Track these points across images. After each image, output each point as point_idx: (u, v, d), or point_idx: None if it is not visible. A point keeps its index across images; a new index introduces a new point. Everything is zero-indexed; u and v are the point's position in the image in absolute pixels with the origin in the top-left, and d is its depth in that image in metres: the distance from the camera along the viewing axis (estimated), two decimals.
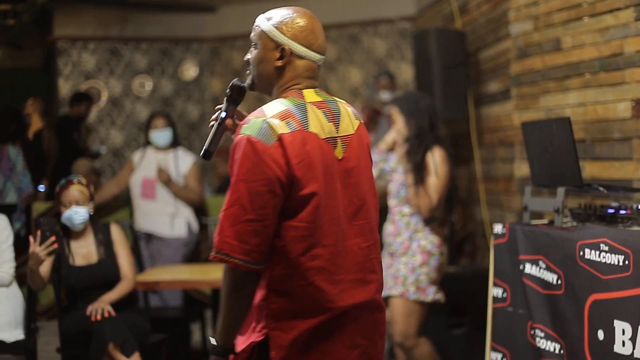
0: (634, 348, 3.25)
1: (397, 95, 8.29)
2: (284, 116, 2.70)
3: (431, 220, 5.15)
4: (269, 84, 2.85)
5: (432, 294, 5.13)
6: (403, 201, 5.18)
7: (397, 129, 5.22)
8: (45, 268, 4.90)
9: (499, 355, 4.31)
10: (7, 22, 9.41)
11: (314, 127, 2.74)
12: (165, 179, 6.81)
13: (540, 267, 3.92)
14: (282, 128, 2.67)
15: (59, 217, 5.21)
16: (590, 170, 4.88)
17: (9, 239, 5.20)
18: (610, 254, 3.41)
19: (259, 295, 2.75)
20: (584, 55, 4.97)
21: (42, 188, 8.29)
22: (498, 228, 4.35)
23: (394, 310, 5.12)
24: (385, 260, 5.16)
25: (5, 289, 5.15)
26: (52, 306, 6.56)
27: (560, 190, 3.95)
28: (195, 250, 7.26)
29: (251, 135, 2.65)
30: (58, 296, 5.23)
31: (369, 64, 10.34)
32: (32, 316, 5.21)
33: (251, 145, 2.64)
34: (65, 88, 10.78)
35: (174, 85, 11.21)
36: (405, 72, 9.93)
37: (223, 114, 2.92)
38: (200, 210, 7.18)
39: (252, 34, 2.87)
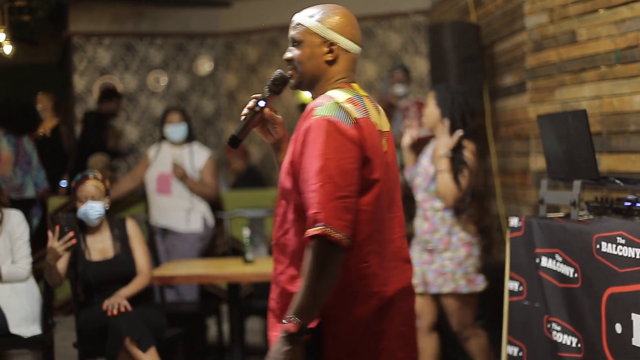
0: None
1: (409, 89, 8.31)
2: (352, 102, 2.79)
3: (462, 211, 5.16)
4: (316, 80, 2.91)
5: (482, 283, 5.16)
6: (433, 195, 5.18)
7: (427, 112, 5.27)
8: (62, 264, 4.93)
9: (515, 349, 4.30)
10: (23, 18, 9.44)
11: (373, 117, 2.86)
12: (181, 174, 6.82)
13: (556, 261, 3.90)
14: (355, 112, 2.76)
15: (75, 212, 5.23)
16: (606, 163, 4.86)
17: (25, 234, 5.22)
18: (627, 247, 3.39)
19: None
20: (600, 47, 4.95)
21: (63, 184, 8.30)
22: (514, 221, 4.34)
23: (449, 306, 5.17)
24: (424, 257, 5.18)
25: (22, 285, 5.17)
26: (69, 301, 6.58)
27: (577, 184, 3.94)
28: (211, 245, 7.27)
29: (330, 116, 2.72)
30: (74, 291, 5.25)
31: (383, 58, 10.32)
32: (49, 311, 5.23)
33: (333, 125, 2.70)
34: (80, 84, 10.80)
35: (189, 80, 11.22)
36: (420, 66, 9.91)
37: (262, 103, 2.93)
38: (215, 205, 7.18)
39: (292, 33, 2.91)
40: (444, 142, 5.12)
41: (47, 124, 8.54)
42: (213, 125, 11.30)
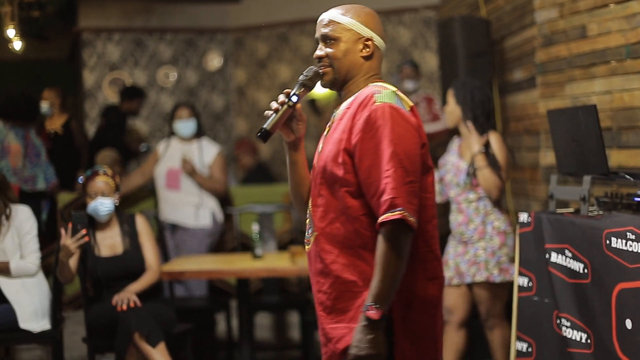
0: None
1: (419, 85, 8.30)
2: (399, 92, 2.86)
3: (496, 201, 5.17)
4: (352, 76, 2.94)
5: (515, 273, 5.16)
6: (467, 188, 5.20)
7: (448, 110, 5.30)
8: (73, 261, 4.95)
9: (525, 345, 4.29)
10: (32, 14, 9.43)
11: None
12: (189, 170, 6.83)
13: (566, 256, 3.89)
14: (408, 100, 2.85)
15: (85, 208, 5.24)
16: (616, 158, 4.84)
17: (33, 229, 5.23)
18: (637, 242, 3.38)
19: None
20: (610, 42, 4.93)
21: (81, 180, 8.30)
22: (523, 217, 4.33)
23: (480, 295, 5.18)
24: (459, 249, 5.21)
25: (31, 280, 5.18)
26: (78, 296, 6.59)
27: (587, 179, 3.93)
28: (220, 241, 7.28)
29: (391, 103, 2.78)
30: (84, 286, 5.26)
31: (393, 53, 10.29)
32: (58, 306, 5.24)
33: (397, 112, 2.77)
34: (90, 79, 10.81)
35: (198, 75, 11.21)
36: (430, 61, 9.89)
37: (295, 98, 2.91)
38: (225, 200, 7.19)
39: (325, 31, 2.94)
40: (473, 141, 5.16)
41: (57, 121, 8.52)
42: (222, 121, 11.30)
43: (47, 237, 6.59)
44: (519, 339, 4.35)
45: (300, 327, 6.36)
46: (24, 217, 5.21)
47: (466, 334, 5.32)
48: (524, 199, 6.52)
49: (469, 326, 5.34)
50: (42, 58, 13.02)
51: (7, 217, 5.16)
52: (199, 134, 7.07)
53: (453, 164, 5.29)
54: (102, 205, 5.18)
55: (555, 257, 3.99)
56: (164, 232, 6.72)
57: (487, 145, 5.16)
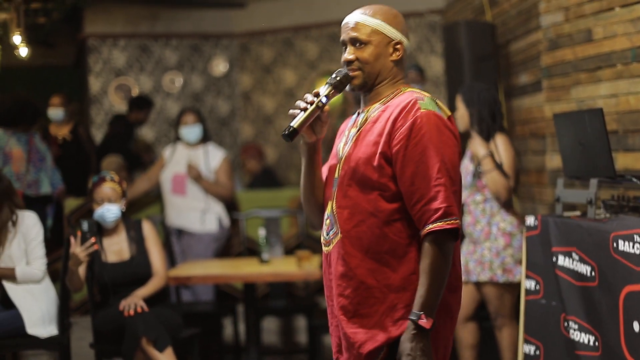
0: None
1: (424, 89, 8.29)
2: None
3: (506, 203, 5.19)
4: (382, 80, 2.93)
5: (519, 274, 5.15)
6: (474, 190, 5.26)
7: (459, 115, 5.33)
8: (82, 269, 4.96)
9: (532, 348, 4.29)
10: (38, 21, 9.45)
11: None
12: (195, 175, 6.84)
13: (573, 259, 3.89)
14: (446, 109, 2.85)
15: (91, 214, 5.25)
16: (623, 161, 4.84)
17: (39, 235, 5.24)
18: None
19: (404, 270, 2.78)
20: (616, 45, 4.93)
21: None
22: (530, 220, 4.33)
23: (487, 294, 5.22)
24: (469, 248, 5.26)
25: (37, 286, 5.19)
26: (85, 301, 6.61)
27: (593, 182, 3.93)
28: (227, 245, 7.28)
29: (435, 110, 2.78)
30: (91, 292, 5.27)
31: None
32: (65, 312, 5.25)
33: (440, 120, 2.78)
34: (96, 85, 10.83)
35: (204, 81, 11.23)
36: (435, 65, 9.89)
37: (324, 99, 2.87)
38: (231, 205, 7.19)
39: (354, 34, 2.89)
40: (477, 144, 5.22)
41: (65, 127, 8.53)
42: (228, 126, 11.31)
43: (54, 243, 6.59)
44: (526, 341, 4.35)
45: (307, 331, 6.36)
46: (30, 223, 5.21)
47: (474, 329, 5.38)
48: (530, 202, 6.52)
49: (476, 320, 5.38)
50: (48, 64, 13.05)
51: (14, 224, 5.16)
52: (205, 139, 7.08)
53: (464, 167, 5.34)
54: (109, 211, 5.19)
55: (562, 260, 3.99)
56: (170, 237, 6.73)
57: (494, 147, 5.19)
